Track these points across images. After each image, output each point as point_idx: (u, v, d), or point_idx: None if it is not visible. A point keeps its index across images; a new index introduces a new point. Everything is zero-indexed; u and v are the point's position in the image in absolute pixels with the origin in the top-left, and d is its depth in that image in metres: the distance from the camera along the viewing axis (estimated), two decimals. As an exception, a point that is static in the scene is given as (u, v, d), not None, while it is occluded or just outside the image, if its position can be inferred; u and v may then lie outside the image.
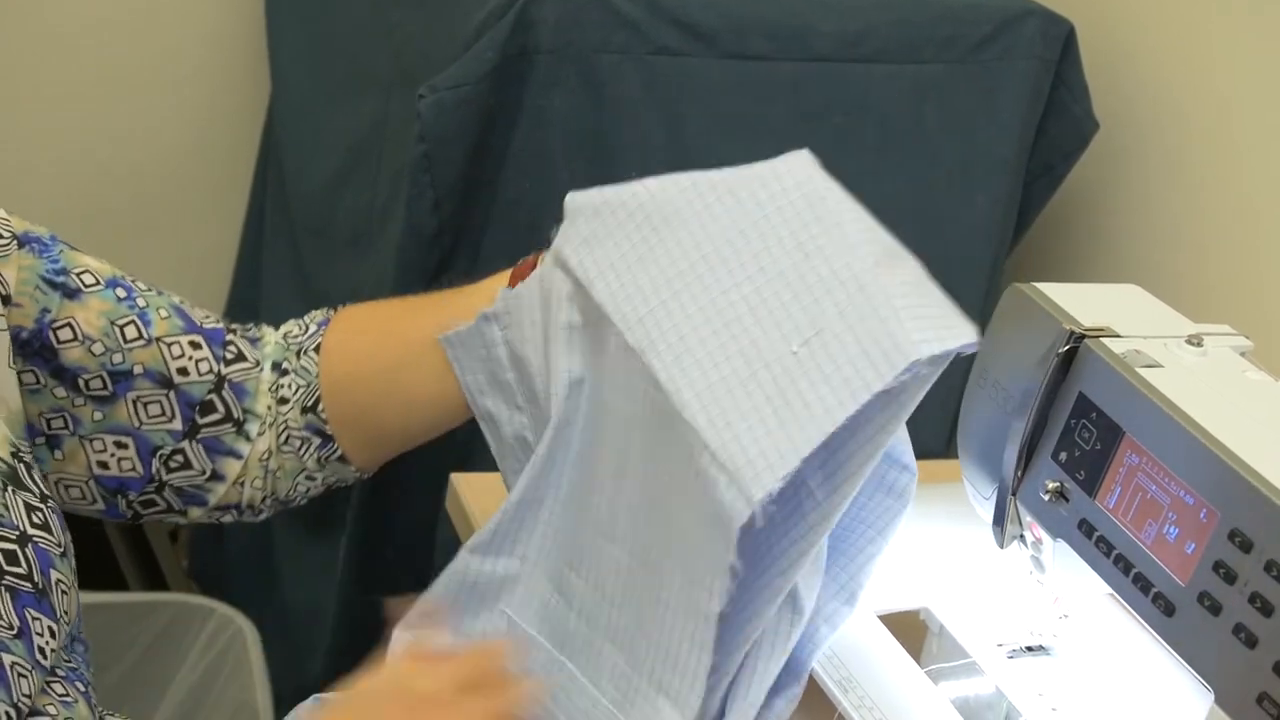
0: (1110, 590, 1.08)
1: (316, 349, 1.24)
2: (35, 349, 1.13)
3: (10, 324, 1.11)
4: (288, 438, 1.23)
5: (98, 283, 1.16)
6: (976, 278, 1.81)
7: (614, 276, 1.07)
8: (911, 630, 1.26)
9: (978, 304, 1.79)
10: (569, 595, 1.10)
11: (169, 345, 1.18)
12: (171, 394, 1.18)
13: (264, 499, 1.25)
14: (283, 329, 1.27)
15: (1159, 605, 1.01)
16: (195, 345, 1.20)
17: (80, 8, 2.33)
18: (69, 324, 1.14)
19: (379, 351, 1.25)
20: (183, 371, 1.18)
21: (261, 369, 1.23)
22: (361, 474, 1.29)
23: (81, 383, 1.14)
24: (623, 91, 1.62)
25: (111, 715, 1.14)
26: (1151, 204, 1.86)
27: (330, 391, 1.23)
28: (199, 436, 1.19)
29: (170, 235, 2.52)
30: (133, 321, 1.17)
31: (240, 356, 1.22)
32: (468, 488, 1.47)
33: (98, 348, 1.14)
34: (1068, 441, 1.10)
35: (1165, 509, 1.01)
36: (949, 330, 0.97)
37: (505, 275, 1.21)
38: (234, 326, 1.24)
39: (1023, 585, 1.23)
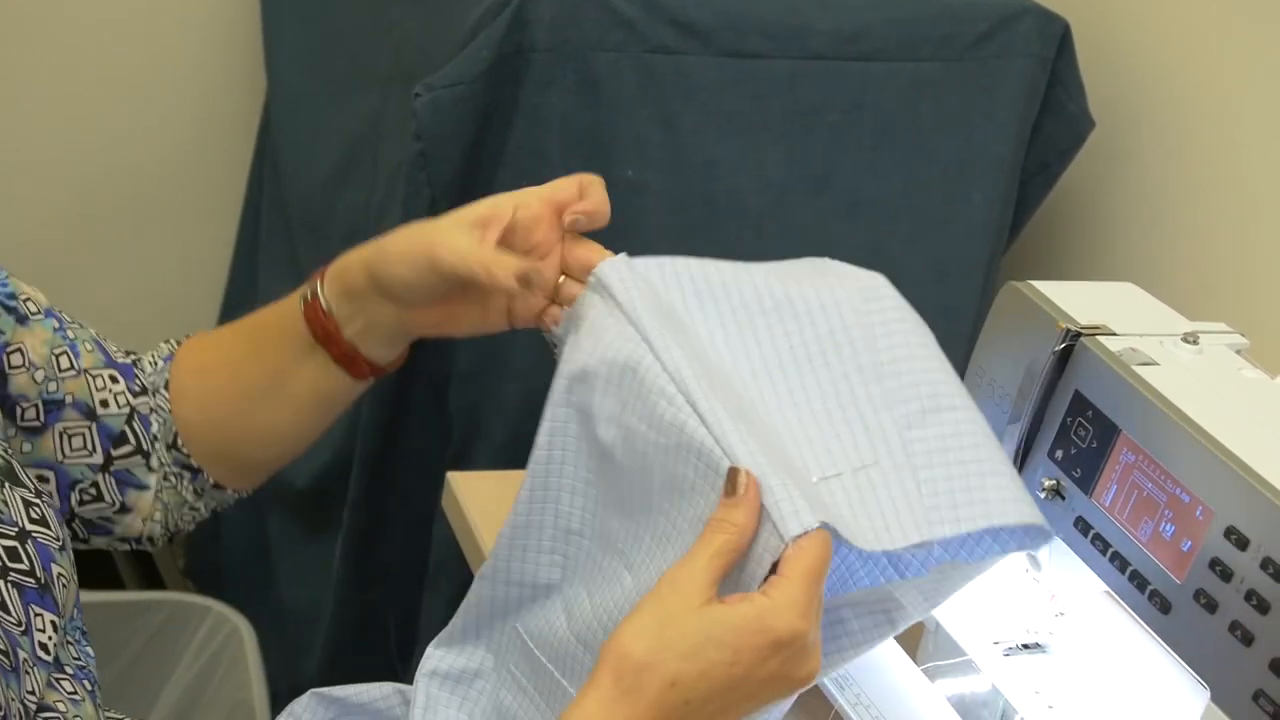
0: (1106, 588, 1.08)
1: (166, 385, 1.23)
2: None
3: None
4: (168, 474, 1.23)
5: (39, 311, 1.16)
6: (973, 276, 1.81)
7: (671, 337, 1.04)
8: (908, 628, 1.26)
9: (974, 302, 1.79)
10: (573, 615, 1.08)
11: (94, 377, 1.18)
12: (94, 426, 1.17)
13: (162, 531, 1.24)
14: (145, 361, 1.26)
15: (1155, 603, 1.01)
16: (114, 379, 1.19)
17: (78, 8, 2.33)
18: (19, 349, 1.13)
19: (228, 397, 1.23)
20: (104, 404, 1.18)
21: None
22: (239, 493, 1.28)
23: (19, 411, 1.14)
24: (619, 89, 1.62)
25: (110, 713, 1.14)
26: (1148, 202, 1.86)
27: (187, 433, 1.22)
28: (112, 469, 1.19)
29: (167, 234, 2.52)
30: (65, 352, 1.16)
31: (144, 389, 1.21)
32: (464, 486, 1.47)
33: (40, 375, 1.14)
34: (1064, 439, 1.10)
35: (1161, 506, 1.01)
36: (965, 511, 1.00)
37: (288, 304, 1.20)
38: (137, 358, 1.24)
39: (1019, 583, 1.22)
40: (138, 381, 1.21)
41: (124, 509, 1.20)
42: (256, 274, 2.32)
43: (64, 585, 1.05)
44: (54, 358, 1.15)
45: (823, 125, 1.71)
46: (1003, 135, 1.79)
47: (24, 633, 0.98)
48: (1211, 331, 1.14)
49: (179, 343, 1.26)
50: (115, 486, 1.19)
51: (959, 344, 1.77)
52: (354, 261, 1.14)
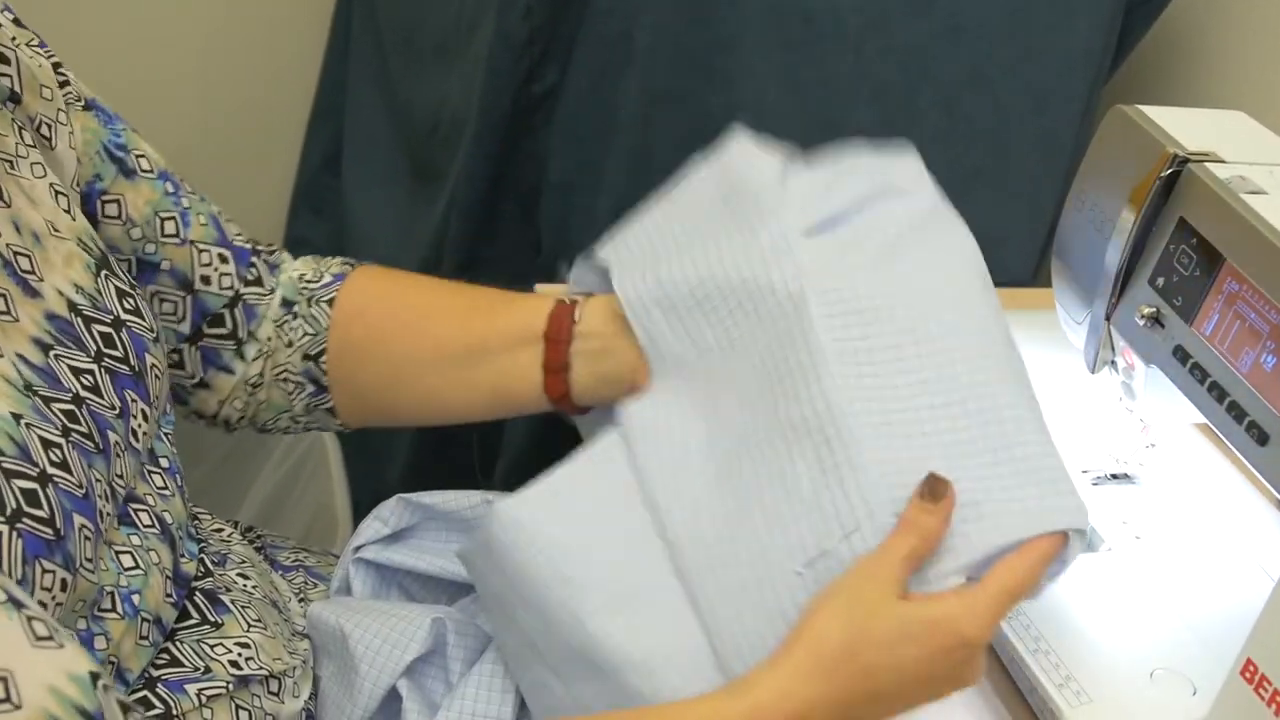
0: (1201, 419, 1.07)
1: (330, 301, 1.22)
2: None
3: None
4: (285, 378, 1.23)
5: (151, 170, 1.15)
6: (1073, 104, 1.77)
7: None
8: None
9: (1073, 131, 1.75)
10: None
11: (200, 251, 1.17)
12: (189, 298, 1.17)
13: (240, 419, 1.24)
14: (298, 267, 1.25)
15: (1253, 434, 1.00)
16: (223, 259, 1.19)
17: None
18: (118, 200, 1.12)
19: (399, 341, 1.22)
20: (205, 280, 1.17)
21: (274, 297, 1.22)
22: (344, 427, 1.28)
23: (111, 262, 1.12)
24: (721, -102, 1.58)
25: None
26: (1258, 30, 1.81)
27: (338, 355, 1.22)
28: (200, 343, 1.18)
29: (255, 39, 2.51)
30: (174, 218, 1.15)
31: (259, 280, 1.21)
32: (552, 299, 1.46)
33: (136, 233, 1.13)
34: (1165, 267, 1.08)
35: (1264, 337, 0.99)
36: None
37: (543, 299, 1.18)
38: (259, 248, 1.23)
39: (1111, 412, 1.22)
40: (253, 270, 1.21)
41: (203, 384, 1.21)
42: (345, 82, 2.31)
43: (156, 377, 1.06)
44: (158, 220, 1.14)
45: (925, -57, 1.67)
46: (1110, -41, 1.74)
47: (118, 416, 0.99)
48: (1323, 162, 1.12)
49: (351, 265, 1.26)
50: (200, 361, 1.19)
51: (1057, 174, 1.74)
52: (620, 346, 1.13)
